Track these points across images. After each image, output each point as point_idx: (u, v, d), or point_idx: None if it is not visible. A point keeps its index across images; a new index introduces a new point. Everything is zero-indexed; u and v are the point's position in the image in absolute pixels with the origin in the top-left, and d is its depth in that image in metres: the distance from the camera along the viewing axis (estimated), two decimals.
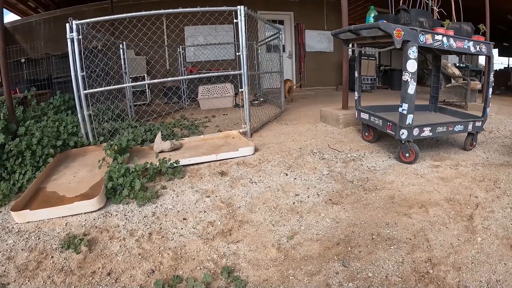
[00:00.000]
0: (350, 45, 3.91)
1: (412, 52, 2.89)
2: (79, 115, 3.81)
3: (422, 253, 1.97)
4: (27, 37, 8.46)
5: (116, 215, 2.36)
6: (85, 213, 2.39)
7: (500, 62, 15.53)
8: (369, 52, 9.73)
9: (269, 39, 6.30)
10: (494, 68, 12.32)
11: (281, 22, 9.66)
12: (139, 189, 2.57)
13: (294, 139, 4.03)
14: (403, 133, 3.13)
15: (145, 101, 7.70)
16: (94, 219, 2.32)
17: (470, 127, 3.55)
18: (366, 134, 3.92)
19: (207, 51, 8.04)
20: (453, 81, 7.77)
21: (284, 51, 9.60)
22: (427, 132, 3.27)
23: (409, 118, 3.06)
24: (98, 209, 2.43)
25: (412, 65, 2.92)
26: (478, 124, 3.61)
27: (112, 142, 3.31)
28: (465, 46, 3.27)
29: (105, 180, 2.67)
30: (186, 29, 8.35)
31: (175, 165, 3.06)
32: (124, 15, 3.75)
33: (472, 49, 3.33)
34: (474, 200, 2.58)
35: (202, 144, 3.98)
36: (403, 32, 2.79)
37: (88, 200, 2.39)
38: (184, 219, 2.29)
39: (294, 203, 2.51)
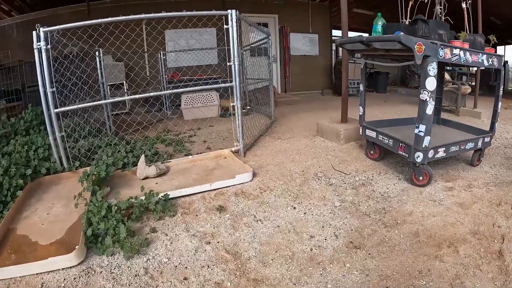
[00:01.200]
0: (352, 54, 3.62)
1: (432, 68, 2.60)
2: (50, 138, 3.33)
3: None
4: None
5: (101, 272, 1.95)
6: (63, 268, 1.97)
7: None
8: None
9: (257, 44, 5.94)
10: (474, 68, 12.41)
11: (265, 25, 9.33)
12: (125, 237, 2.16)
13: (294, 159, 3.70)
14: (418, 156, 2.85)
15: (124, 109, 7.19)
16: (74, 279, 1.89)
17: (480, 143, 3.33)
18: (372, 152, 3.63)
19: (189, 56, 7.62)
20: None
21: (273, 59, 9.29)
22: (441, 153, 3.01)
23: (426, 141, 2.78)
24: (79, 264, 2.01)
25: (431, 83, 2.63)
26: (487, 139, 3.40)
27: (89, 171, 2.87)
28: (479, 60, 3.02)
29: (83, 225, 2.24)
30: (166, 32, 7.90)
31: (165, 199, 2.66)
32: (99, 20, 3.26)
33: (486, 63, 3.09)
34: (498, 230, 2.36)
35: (191, 166, 3.59)
36: (424, 47, 2.50)
37: (65, 255, 1.96)
38: (184, 278, 1.89)
39: (311, 249, 2.16)
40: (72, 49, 3.88)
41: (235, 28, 3.54)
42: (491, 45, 3.53)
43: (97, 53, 5.16)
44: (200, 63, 7.47)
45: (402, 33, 2.64)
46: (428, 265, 2.02)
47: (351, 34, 13.68)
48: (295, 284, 1.85)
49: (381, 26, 3.15)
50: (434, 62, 2.61)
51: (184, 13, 3.39)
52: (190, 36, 7.39)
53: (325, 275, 1.94)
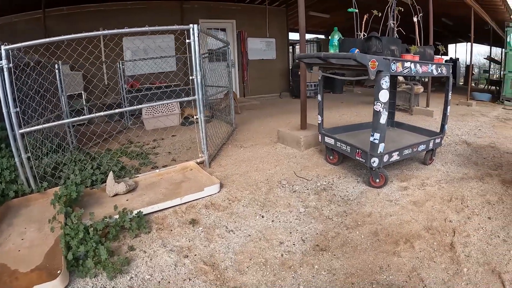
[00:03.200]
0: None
1: (385, 82, 2.90)
2: (16, 159, 3.26)
3: None
4: None
5: None
6: None
7: None
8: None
9: (216, 52, 6.09)
10: None
11: (223, 30, 9.51)
12: (106, 258, 2.24)
13: (257, 167, 3.90)
14: (374, 161, 3.15)
15: (82, 120, 7.01)
16: None
17: (431, 144, 3.71)
18: (331, 157, 3.92)
19: (148, 64, 7.63)
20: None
21: (226, 59, 9.41)
22: (395, 157, 3.34)
23: (381, 147, 3.09)
24: None
25: (384, 96, 2.92)
26: (437, 141, 3.79)
27: (59, 193, 2.87)
28: (429, 70, 3.37)
29: (63, 250, 2.28)
30: (124, 40, 7.84)
31: (139, 216, 2.74)
32: (63, 37, 3.15)
33: (435, 72, 3.44)
34: (449, 225, 2.67)
35: (159, 180, 3.69)
36: (377, 63, 2.79)
37: (50, 282, 2.00)
38: None
39: (282, 255, 2.36)
40: (29, 62, 3.81)
41: (197, 43, 3.68)
42: (440, 54, 3.91)
43: (56, 65, 5.05)
44: (159, 70, 7.50)
45: (357, 50, 2.92)
46: (387, 261, 2.28)
47: (307, 36, 14.09)
48: None
49: (338, 40, 3.44)
50: (387, 76, 2.90)
51: (146, 28, 3.46)
52: (148, 43, 7.41)
53: (297, 277, 2.15)
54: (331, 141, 3.69)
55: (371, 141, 3.10)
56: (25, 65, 3.66)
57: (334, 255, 2.36)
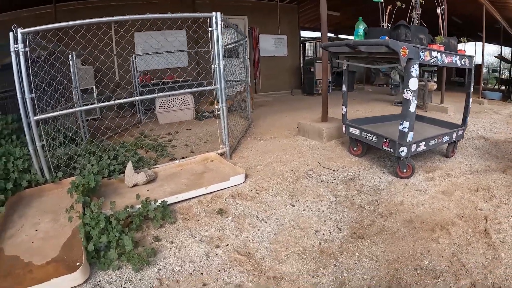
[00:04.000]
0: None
1: (415, 70, 2.80)
2: (30, 147, 3.14)
3: (465, 279, 1.94)
4: None
5: None
6: None
7: None
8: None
9: (234, 45, 5.99)
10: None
11: (236, 27, 9.39)
12: (131, 248, 2.11)
13: (281, 158, 3.79)
14: (402, 151, 3.04)
15: (94, 115, 6.95)
16: None
17: (454, 136, 3.61)
18: (355, 148, 3.80)
19: (160, 59, 7.54)
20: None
21: (238, 56, 9.31)
22: (422, 147, 3.24)
23: (410, 136, 2.98)
24: (85, 281, 1.92)
25: (414, 84, 2.83)
26: (460, 133, 3.69)
27: (77, 182, 2.73)
28: (453, 61, 3.28)
29: (82, 240, 2.15)
30: (136, 35, 7.77)
31: (163, 206, 2.62)
32: (82, 21, 3.06)
33: (459, 63, 3.36)
34: (481, 213, 2.63)
35: (180, 171, 3.59)
36: (408, 51, 2.69)
37: (70, 275, 1.85)
38: (203, 284, 1.90)
39: (320, 243, 2.26)
40: (45, 49, 3.71)
41: (219, 31, 3.58)
42: (461, 43, 3.81)
43: (70, 56, 4.96)
44: (171, 65, 7.41)
45: (387, 37, 2.82)
46: (427, 247, 2.20)
47: (317, 34, 13.95)
48: (313, 277, 1.94)
49: (363, 30, 3.33)
50: (416, 64, 2.80)
51: (170, 15, 3.38)
52: (160, 38, 7.32)
53: (339, 265, 2.05)
54: (356, 131, 3.58)
55: (400, 129, 3.00)
56: (37, 57, 3.56)
57: (373, 242, 2.27)
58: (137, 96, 6.66)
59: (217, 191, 3.00)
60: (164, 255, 2.18)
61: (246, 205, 2.77)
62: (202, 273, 2.01)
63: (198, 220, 2.60)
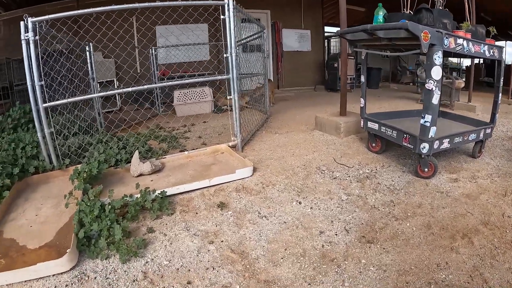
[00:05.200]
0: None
1: (438, 57, 2.49)
2: (39, 134, 3.09)
3: None
4: None
5: (95, 278, 1.76)
6: (54, 275, 1.77)
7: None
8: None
9: (251, 38, 5.76)
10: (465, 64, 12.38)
11: (258, 21, 9.14)
12: (120, 238, 1.98)
13: (294, 153, 3.55)
14: (424, 147, 2.73)
15: (113, 107, 6.94)
16: (66, 286, 1.71)
17: (481, 134, 3.24)
18: (373, 144, 3.50)
19: (180, 52, 7.40)
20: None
21: (260, 50, 9.07)
22: (445, 144, 2.90)
23: (432, 131, 2.67)
24: (71, 269, 1.82)
25: (437, 72, 2.51)
26: (488, 131, 3.33)
27: (79, 168, 2.65)
28: (481, 50, 2.93)
29: (74, 227, 2.05)
30: (157, 28, 7.67)
31: (162, 197, 2.47)
32: (90, 10, 3.02)
33: (487, 53, 3.02)
34: (508, 220, 2.29)
35: (188, 162, 3.42)
36: (430, 35, 2.38)
37: (56, 260, 1.76)
38: (188, 282, 1.71)
39: (323, 245, 2.01)
40: (61, 42, 3.65)
41: (232, 18, 3.37)
42: (491, 36, 3.43)
43: (86, 47, 4.95)
44: (192, 59, 7.26)
45: (406, 21, 2.51)
46: (445, 257, 1.91)
47: (334, 29, 13.46)
48: (309, 284, 1.70)
49: (383, 16, 3.02)
50: (440, 51, 2.49)
51: (179, 2, 3.20)
52: (181, 32, 7.16)
53: (341, 272, 1.80)
54: (375, 126, 3.28)
55: (421, 124, 2.69)
56: (54, 50, 3.50)
57: (384, 248, 1.99)
58: (156, 88, 6.58)
59: (221, 183, 2.81)
60: (155, 247, 2.02)
61: (249, 200, 2.56)
62: (189, 270, 1.82)
63: (196, 213, 2.41)
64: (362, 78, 3.43)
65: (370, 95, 8.77)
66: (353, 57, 9.49)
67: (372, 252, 1.96)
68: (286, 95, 8.62)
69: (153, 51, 6.72)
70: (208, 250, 1.97)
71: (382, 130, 3.19)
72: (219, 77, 3.60)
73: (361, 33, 2.86)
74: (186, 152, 3.59)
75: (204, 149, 3.64)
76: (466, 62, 14.07)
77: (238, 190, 2.70)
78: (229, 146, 3.69)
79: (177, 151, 3.83)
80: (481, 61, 12.15)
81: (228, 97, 3.56)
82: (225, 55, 3.45)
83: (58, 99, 3.31)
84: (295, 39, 9.85)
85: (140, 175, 3.07)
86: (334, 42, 13.40)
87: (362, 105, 3.46)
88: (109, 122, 4.71)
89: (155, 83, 6.59)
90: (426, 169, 2.89)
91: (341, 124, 3.91)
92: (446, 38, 2.54)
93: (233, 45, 3.37)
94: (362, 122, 3.48)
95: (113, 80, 7.35)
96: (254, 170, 3.05)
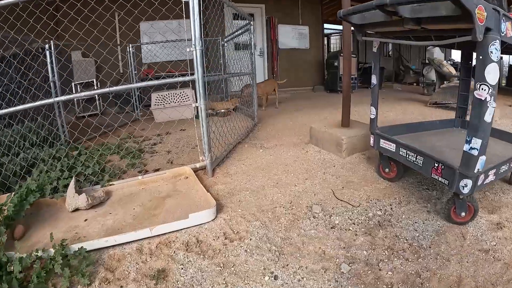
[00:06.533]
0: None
1: (495, 49, 1.54)
2: None
3: None
4: None
5: None
6: None
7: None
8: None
9: (238, 32, 4.81)
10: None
11: (251, 16, 8.14)
12: None
13: (279, 180, 2.59)
14: (465, 185, 1.78)
15: (94, 111, 6.01)
16: None
17: None
18: (386, 170, 2.54)
19: (165, 51, 6.44)
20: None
21: (254, 48, 8.06)
22: (491, 177, 1.95)
23: (481, 163, 1.73)
24: None
25: (494, 73, 1.56)
26: None
27: None
28: None
29: None
30: (141, 25, 6.70)
31: (82, 256, 1.61)
32: None
33: None
34: None
35: (139, 191, 2.50)
36: (485, 14, 1.43)
37: None
38: None
39: None
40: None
41: (196, 1, 2.42)
42: None
43: (46, 46, 4.02)
44: (178, 58, 6.30)
45: None
46: None
47: (336, 27, 12.38)
48: None
49: None
50: (497, 40, 1.54)
51: None
52: (166, 29, 6.19)
53: None
54: (391, 146, 2.31)
55: (465, 151, 1.73)
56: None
57: None
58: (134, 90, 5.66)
59: (168, 232, 1.86)
60: None
61: (200, 267, 1.62)
62: None
63: (121, 286, 1.46)
64: (374, 80, 2.43)
65: None
66: (354, 55, 8.48)
67: None
68: (281, 96, 7.63)
69: (130, 49, 5.76)
70: None
71: (401, 153, 2.22)
72: (181, 79, 2.64)
73: (375, 13, 1.88)
74: (140, 177, 2.66)
75: (163, 173, 2.71)
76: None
77: (188, 247, 1.77)
78: (196, 168, 2.77)
79: (137, 171, 2.92)
80: None
81: (194, 105, 2.62)
82: (187, 50, 2.50)
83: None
84: (292, 36, 8.80)
85: (77, 209, 2.23)
86: (334, 40, 12.39)
87: (372, 116, 2.48)
88: (78, 130, 3.78)
89: (135, 91, 5.68)
90: (463, 214, 1.94)
91: (343, 140, 2.93)
92: (504, 21, 1.59)
93: (197, 35, 2.43)
94: (372, 139, 2.50)
95: (93, 81, 6.45)
96: (220, 209, 2.12)
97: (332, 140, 3.08)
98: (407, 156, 2.17)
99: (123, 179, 2.79)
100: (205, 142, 2.65)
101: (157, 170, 2.98)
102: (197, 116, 5.10)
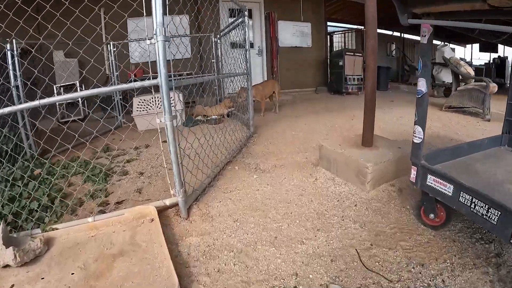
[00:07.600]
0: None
1: None
2: None
3: None
4: None
5: None
6: None
7: (477, 58, 13.82)
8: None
9: (231, 26, 4.01)
10: (475, 64, 10.51)
11: (249, 12, 7.31)
12: None
13: (278, 232, 1.77)
14: None
15: (78, 116, 5.22)
16: None
17: None
18: (431, 216, 1.72)
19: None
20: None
21: (252, 46, 7.22)
22: None
23: None
24: None
25: None
26: None
27: None
28: None
29: None
30: (129, 21, 5.88)
31: None
32: None
33: None
34: None
35: (87, 241, 1.74)
36: None
37: None
38: None
39: None
40: None
41: None
42: None
43: (8, 46, 3.24)
44: (170, 57, 5.50)
45: None
46: None
47: (343, 25, 11.58)
48: None
49: None
50: None
51: None
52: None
53: None
54: (446, 188, 1.50)
55: None
56: None
57: None
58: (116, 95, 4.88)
59: None
60: None
61: None
62: None
63: None
64: (421, 85, 1.55)
65: (382, 98, 6.98)
66: (360, 54, 7.64)
67: None
68: (281, 98, 6.81)
69: (111, 48, 4.95)
70: None
71: (462, 199, 1.42)
72: (147, 83, 1.84)
73: None
74: (90, 219, 1.87)
75: (121, 214, 1.92)
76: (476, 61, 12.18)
77: None
78: (166, 205, 1.98)
79: (95, 204, 2.15)
80: (491, 60, 10.28)
81: (157, 121, 1.83)
82: (148, 42, 1.71)
83: None
84: (293, 33, 7.91)
85: (6, 265, 1.55)
86: (337, 38, 11.54)
87: (417, 141, 1.64)
88: (48, 141, 2.97)
89: (116, 94, 4.90)
90: None
91: (367, 169, 2.09)
92: None
93: (159, 20, 1.62)
94: (414, 173, 1.68)
95: (76, 83, 5.66)
96: (188, 285, 1.32)
97: (351, 166, 2.25)
98: (472, 206, 1.36)
99: (76, 215, 2.08)
100: (176, 174, 1.86)
101: (120, 202, 2.23)
102: (185, 124, 4.37)
